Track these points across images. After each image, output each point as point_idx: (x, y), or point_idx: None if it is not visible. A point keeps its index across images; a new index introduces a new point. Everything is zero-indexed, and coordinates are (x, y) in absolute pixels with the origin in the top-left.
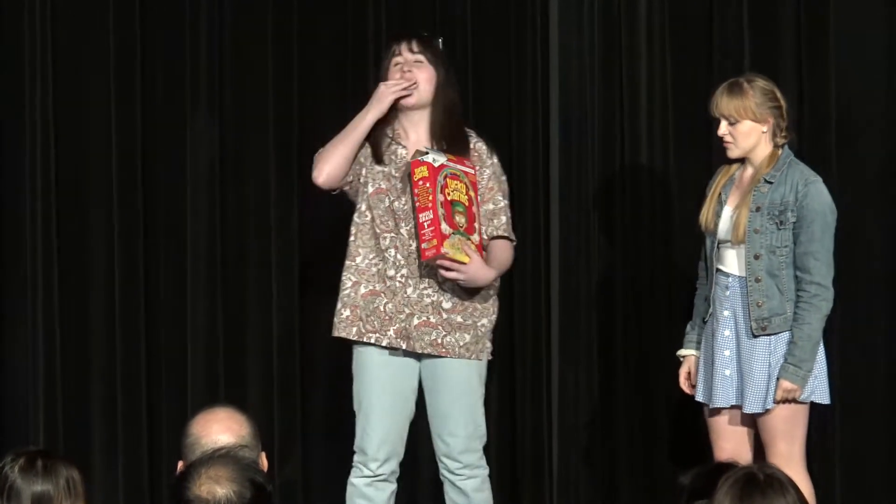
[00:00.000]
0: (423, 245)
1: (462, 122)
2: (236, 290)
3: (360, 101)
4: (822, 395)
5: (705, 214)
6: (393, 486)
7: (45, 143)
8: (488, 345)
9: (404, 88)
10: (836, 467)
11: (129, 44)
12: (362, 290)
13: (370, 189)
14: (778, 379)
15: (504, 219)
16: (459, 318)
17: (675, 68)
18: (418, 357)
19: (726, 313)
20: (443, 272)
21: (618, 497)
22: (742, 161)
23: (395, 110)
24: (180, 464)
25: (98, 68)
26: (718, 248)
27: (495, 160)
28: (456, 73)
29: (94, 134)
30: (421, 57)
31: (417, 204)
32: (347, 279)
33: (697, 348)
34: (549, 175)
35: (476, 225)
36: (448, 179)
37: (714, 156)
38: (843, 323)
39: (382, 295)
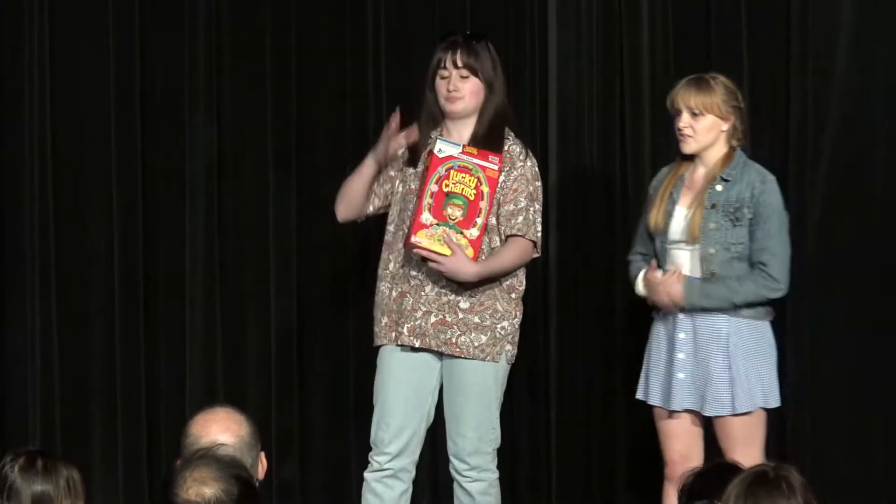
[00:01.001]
0: (405, 232)
1: (504, 128)
2: (234, 290)
3: (359, 101)
4: (774, 399)
5: (655, 215)
6: (404, 486)
7: (42, 144)
8: (508, 347)
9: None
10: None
11: (128, 45)
12: (395, 294)
13: (401, 190)
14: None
15: (521, 219)
16: (477, 319)
17: (677, 68)
18: (440, 357)
19: (681, 316)
20: (429, 262)
21: (616, 497)
22: (689, 160)
23: (437, 116)
24: (178, 464)
25: (97, 69)
26: (668, 248)
27: (529, 164)
28: (504, 72)
29: (93, 135)
30: (465, 71)
31: (419, 193)
32: (385, 287)
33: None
34: (547, 175)
35: (478, 220)
36: (452, 171)
37: None
38: (814, 325)
39: (408, 295)
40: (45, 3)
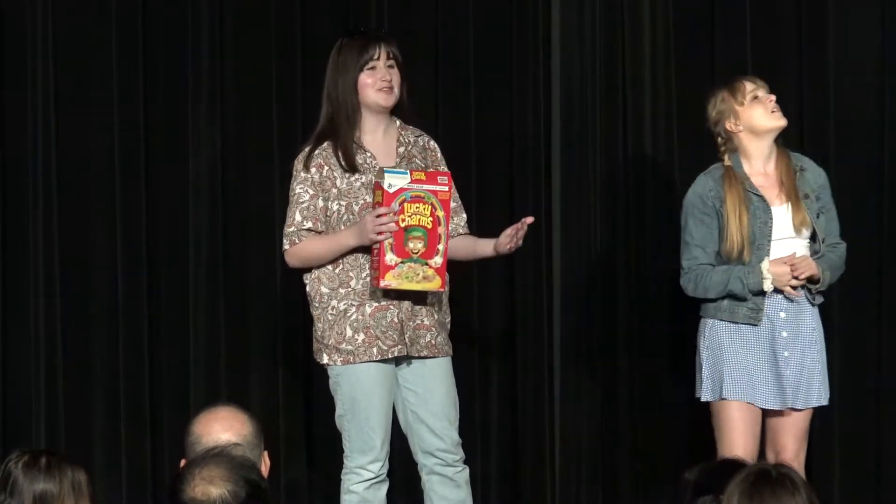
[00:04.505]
0: (372, 272)
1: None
2: (239, 289)
3: None
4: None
5: (737, 239)
6: (387, 484)
7: (46, 144)
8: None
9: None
10: (835, 466)
11: (131, 44)
12: (368, 309)
13: (356, 207)
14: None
15: (464, 216)
16: (443, 318)
17: (678, 67)
18: (395, 361)
19: (783, 315)
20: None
21: (620, 495)
22: (726, 167)
23: (356, 116)
24: (182, 462)
25: (101, 69)
26: (771, 247)
27: (441, 155)
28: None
29: (97, 135)
30: (391, 61)
31: None
32: (349, 305)
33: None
34: (552, 174)
35: (440, 247)
36: (406, 204)
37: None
38: (842, 321)
39: (392, 307)
40: (47, 2)
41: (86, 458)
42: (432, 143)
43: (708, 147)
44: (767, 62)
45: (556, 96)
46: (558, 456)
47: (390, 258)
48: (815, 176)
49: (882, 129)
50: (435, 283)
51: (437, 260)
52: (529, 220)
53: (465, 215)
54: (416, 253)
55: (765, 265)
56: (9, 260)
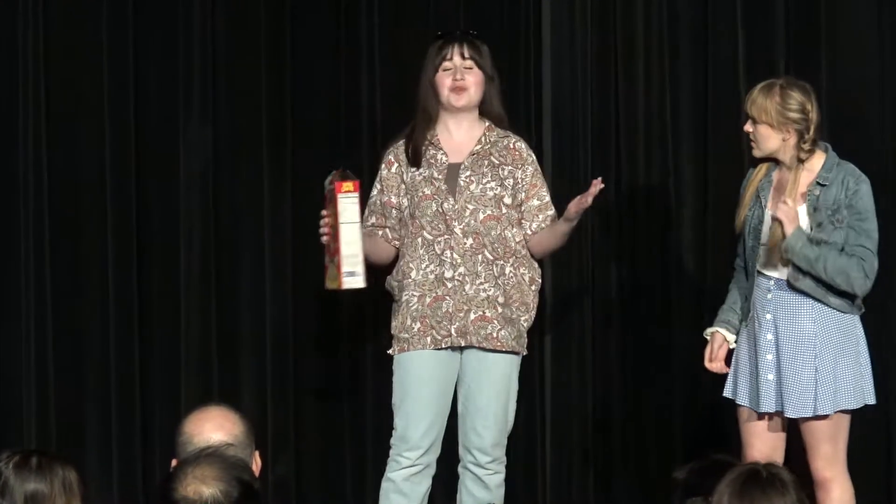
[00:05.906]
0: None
1: (504, 122)
2: (230, 289)
3: (354, 103)
4: (870, 396)
5: (740, 216)
6: (429, 483)
7: (37, 145)
8: (525, 340)
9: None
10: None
11: (122, 43)
12: (427, 299)
13: (416, 200)
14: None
15: (550, 213)
16: (509, 313)
17: (672, 72)
18: (461, 350)
19: (768, 316)
20: None
21: (611, 495)
22: (776, 161)
23: (433, 114)
24: (174, 462)
25: (92, 71)
26: (761, 251)
27: (534, 159)
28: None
29: (88, 138)
30: (470, 62)
31: None
32: (411, 296)
33: (728, 329)
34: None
35: (337, 244)
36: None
37: (710, 158)
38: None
39: (447, 298)
40: (38, 4)
41: (77, 458)
42: (519, 143)
43: (700, 154)
44: (763, 62)
45: (546, 102)
46: (549, 454)
47: (326, 260)
48: (837, 192)
49: (882, 128)
50: (337, 282)
51: (336, 258)
52: (597, 183)
53: (551, 212)
54: (330, 252)
55: (709, 329)
56: (0, 261)
